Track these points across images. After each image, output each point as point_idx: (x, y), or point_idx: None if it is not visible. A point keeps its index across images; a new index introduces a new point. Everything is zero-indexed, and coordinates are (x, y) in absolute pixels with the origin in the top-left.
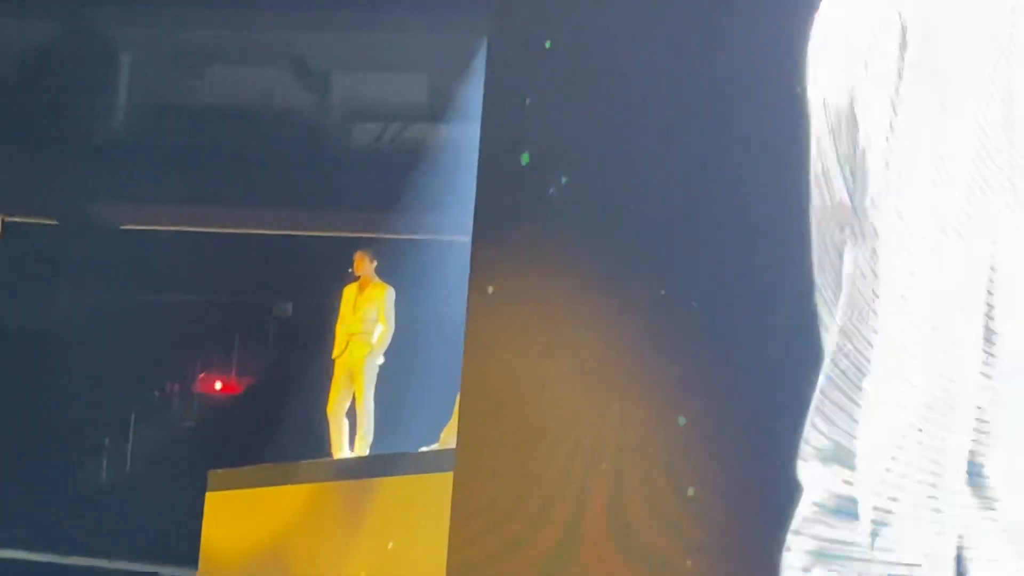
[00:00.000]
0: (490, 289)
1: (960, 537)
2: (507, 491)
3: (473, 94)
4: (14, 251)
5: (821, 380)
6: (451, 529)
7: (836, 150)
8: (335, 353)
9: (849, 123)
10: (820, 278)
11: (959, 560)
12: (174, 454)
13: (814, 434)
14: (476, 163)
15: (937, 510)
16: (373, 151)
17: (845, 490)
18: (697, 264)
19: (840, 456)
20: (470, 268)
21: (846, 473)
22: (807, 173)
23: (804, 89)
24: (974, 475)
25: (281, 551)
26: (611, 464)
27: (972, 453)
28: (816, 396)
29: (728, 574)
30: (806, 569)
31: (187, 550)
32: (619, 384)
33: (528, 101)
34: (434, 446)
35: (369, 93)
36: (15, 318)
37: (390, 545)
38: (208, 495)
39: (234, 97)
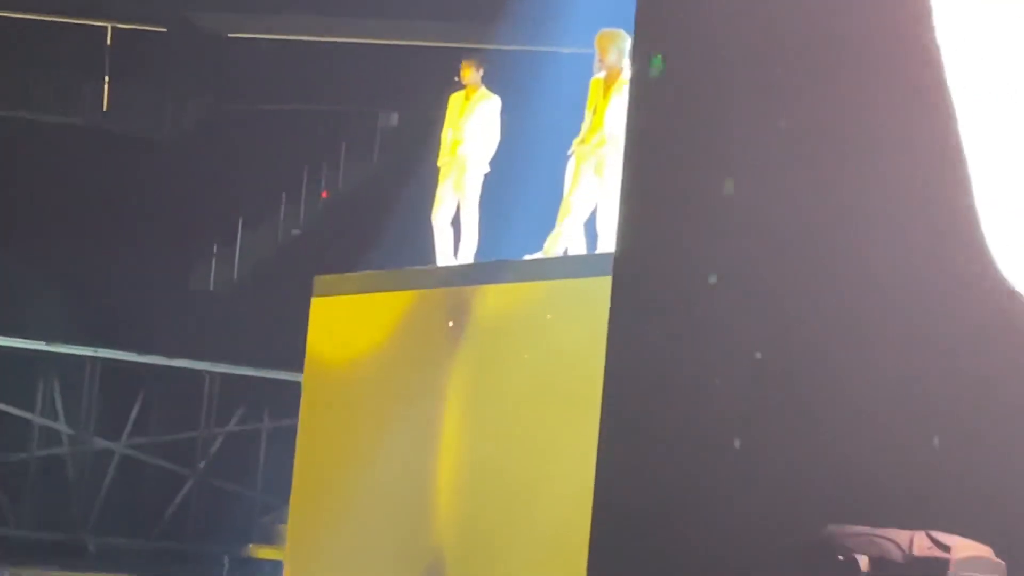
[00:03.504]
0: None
1: None
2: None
3: None
4: (123, 59)
5: None
6: (611, 324)
7: None
8: (440, 160)
9: None
10: None
11: None
12: (280, 260)
13: None
14: None
15: None
16: None
17: None
18: None
19: None
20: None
21: None
22: None
23: None
24: None
25: (384, 356)
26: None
27: None
28: None
29: None
30: None
31: (292, 354)
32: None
33: None
34: (538, 254)
35: None
36: (123, 126)
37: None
38: (313, 300)
39: None
